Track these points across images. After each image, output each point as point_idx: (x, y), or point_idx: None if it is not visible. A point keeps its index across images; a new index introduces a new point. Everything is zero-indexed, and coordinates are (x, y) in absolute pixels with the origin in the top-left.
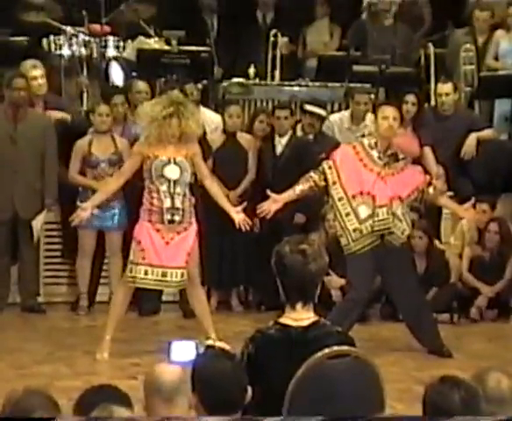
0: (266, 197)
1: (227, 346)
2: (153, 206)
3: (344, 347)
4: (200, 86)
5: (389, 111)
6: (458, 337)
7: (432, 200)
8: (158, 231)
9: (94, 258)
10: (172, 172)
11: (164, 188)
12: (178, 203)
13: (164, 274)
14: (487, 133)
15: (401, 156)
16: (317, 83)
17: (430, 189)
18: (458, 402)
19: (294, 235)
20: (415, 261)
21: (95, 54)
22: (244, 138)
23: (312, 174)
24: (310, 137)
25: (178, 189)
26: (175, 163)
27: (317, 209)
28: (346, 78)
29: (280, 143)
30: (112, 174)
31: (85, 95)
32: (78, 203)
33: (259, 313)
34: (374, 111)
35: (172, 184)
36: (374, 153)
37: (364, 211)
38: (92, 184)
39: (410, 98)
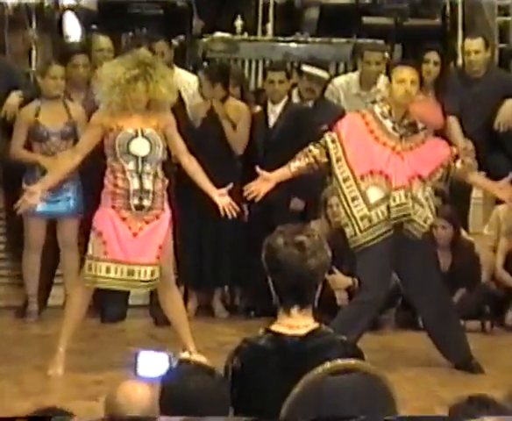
0: (256, 176)
1: (205, 360)
2: (117, 188)
3: (351, 361)
4: (175, 42)
5: (406, 73)
6: (491, 348)
7: (460, 177)
8: (123, 219)
9: (44, 252)
10: (140, 147)
11: (130, 166)
12: (148, 185)
13: (131, 272)
14: None
15: (420, 126)
16: (318, 39)
17: (458, 164)
18: None
19: (289, 224)
20: (437, 257)
21: (46, 3)
22: (233, 105)
23: (312, 148)
24: (309, 104)
25: (147, 168)
26: (144, 136)
27: (318, 192)
28: (354, 32)
29: (274, 112)
30: (65, 150)
31: (34, 52)
32: (24, 185)
33: (248, 320)
34: (388, 73)
35: (140, 162)
36: (388, 124)
37: (374, 195)
38: (41, 161)
39: (432, 57)
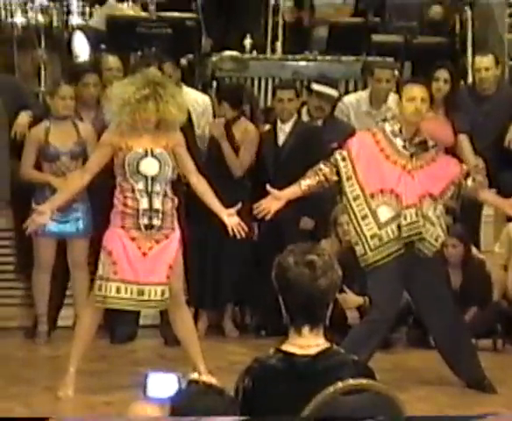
0: (266, 195)
1: (214, 381)
2: (127, 208)
3: (362, 380)
4: (184, 61)
5: (416, 91)
6: (503, 367)
7: (471, 195)
8: (133, 239)
9: (54, 273)
10: (149, 167)
11: (140, 186)
12: (157, 205)
13: (141, 293)
14: None
15: (431, 144)
16: (328, 57)
17: (469, 182)
18: None
19: (299, 243)
20: (448, 275)
21: (55, 23)
22: (242, 126)
23: (322, 166)
24: (319, 122)
25: (157, 188)
26: (153, 156)
27: (328, 211)
28: (363, 50)
29: (283, 130)
30: (75, 169)
31: (43, 72)
32: (34, 205)
33: (258, 339)
34: (398, 91)
35: (149, 181)
36: (398, 142)
37: (385, 213)
38: (51, 181)
39: (442, 74)
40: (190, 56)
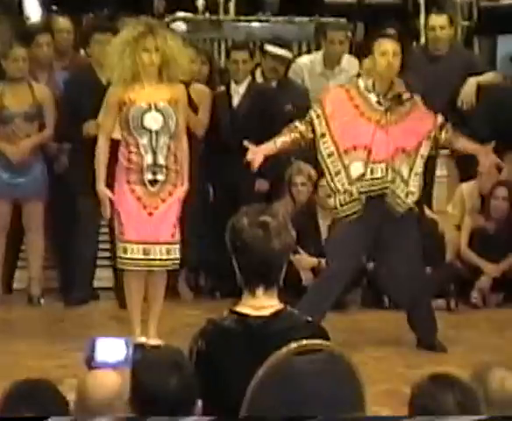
0: (222, 159)
1: (161, 343)
2: (131, 164)
3: (316, 341)
4: None
5: (388, 45)
6: (456, 327)
7: (448, 145)
8: (139, 199)
9: (9, 235)
10: (153, 121)
11: (144, 140)
12: (161, 160)
13: (147, 252)
14: (488, 77)
15: (405, 97)
16: (281, 18)
17: (443, 134)
18: (451, 405)
19: (253, 204)
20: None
21: None
22: (196, 89)
23: (297, 123)
24: (273, 84)
25: (161, 142)
26: (157, 110)
27: (282, 172)
28: (316, 11)
29: (237, 92)
30: (29, 132)
31: None
32: None
33: (213, 301)
34: (352, 51)
35: (154, 136)
36: (372, 98)
37: (357, 169)
38: (3, 148)
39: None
40: (143, 17)
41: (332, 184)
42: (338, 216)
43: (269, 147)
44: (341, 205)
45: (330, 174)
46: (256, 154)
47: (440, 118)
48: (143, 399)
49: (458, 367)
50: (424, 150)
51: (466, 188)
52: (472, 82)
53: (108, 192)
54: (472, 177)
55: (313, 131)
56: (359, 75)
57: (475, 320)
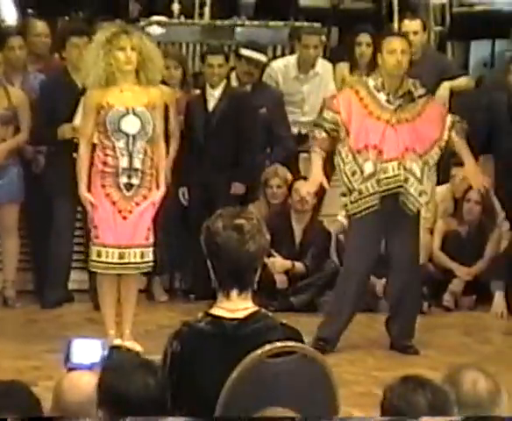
0: (200, 163)
1: (139, 347)
2: (107, 166)
3: (290, 343)
4: None
5: (396, 43)
6: (429, 329)
7: (453, 146)
8: (113, 203)
9: None
10: (130, 125)
11: (121, 144)
12: (137, 164)
13: (122, 256)
14: (461, 82)
15: (416, 94)
16: (256, 22)
17: (453, 134)
18: (423, 407)
19: (228, 207)
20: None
21: None
22: (162, 90)
23: (324, 135)
24: (248, 87)
25: (137, 146)
26: (135, 114)
27: (258, 176)
28: (291, 15)
29: (213, 96)
30: (4, 136)
31: None
32: None
33: (187, 303)
34: (326, 56)
35: (130, 140)
36: (382, 97)
37: (369, 168)
38: None
39: (364, 38)
40: (118, 21)
41: (350, 185)
42: (349, 213)
43: (318, 178)
44: (351, 203)
45: (348, 177)
46: (312, 189)
47: (450, 118)
48: (108, 400)
49: (431, 370)
50: (434, 152)
51: (440, 191)
52: (444, 87)
53: (90, 197)
54: (445, 181)
55: (333, 137)
56: (368, 75)
57: (448, 323)
